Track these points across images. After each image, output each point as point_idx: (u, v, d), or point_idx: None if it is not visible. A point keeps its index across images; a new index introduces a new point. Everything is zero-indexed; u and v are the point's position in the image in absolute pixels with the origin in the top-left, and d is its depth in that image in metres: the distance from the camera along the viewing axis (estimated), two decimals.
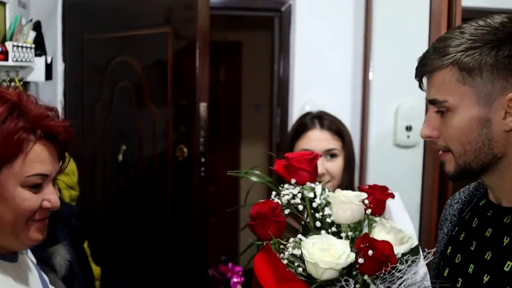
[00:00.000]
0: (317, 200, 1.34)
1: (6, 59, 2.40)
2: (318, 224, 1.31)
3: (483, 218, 1.35)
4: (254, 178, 1.41)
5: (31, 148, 1.27)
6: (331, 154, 2.15)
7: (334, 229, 1.32)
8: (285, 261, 1.27)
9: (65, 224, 2.55)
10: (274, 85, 3.45)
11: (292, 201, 1.32)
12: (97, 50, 3.32)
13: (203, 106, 2.76)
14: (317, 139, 2.16)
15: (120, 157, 3.21)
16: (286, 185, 1.35)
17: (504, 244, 1.25)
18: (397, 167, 2.99)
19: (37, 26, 2.78)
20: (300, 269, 1.25)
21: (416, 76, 1.34)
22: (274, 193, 1.36)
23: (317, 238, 1.26)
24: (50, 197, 1.32)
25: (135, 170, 3.19)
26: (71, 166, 2.84)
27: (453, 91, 1.26)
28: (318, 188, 1.37)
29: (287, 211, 1.32)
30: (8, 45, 2.40)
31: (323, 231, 1.29)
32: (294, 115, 3.32)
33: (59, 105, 3.37)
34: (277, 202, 1.31)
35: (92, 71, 3.37)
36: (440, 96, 1.28)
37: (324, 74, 3.27)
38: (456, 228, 1.43)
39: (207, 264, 2.83)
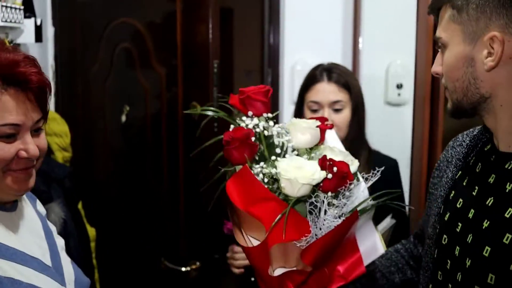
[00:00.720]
0: (275, 128, 1.38)
1: None
2: (278, 150, 1.36)
3: (487, 163, 1.35)
4: (210, 113, 1.45)
5: None
6: (337, 107, 2.19)
7: (295, 153, 1.37)
8: None
9: (59, 184, 2.57)
10: (265, 47, 3.45)
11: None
12: (92, 12, 3.30)
13: (216, 63, 2.82)
14: (324, 91, 2.21)
15: (123, 117, 3.22)
16: (243, 117, 1.38)
17: (507, 190, 1.25)
18: (388, 124, 3.02)
19: None
20: (275, 188, 1.30)
21: (430, 12, 1.38)
22: (232, 126, 1.38)
23: (288, 159, 1.31)
24: (27, 146, 1.30)
25: (141, 129, 3.21)
26: (64, 127, 2.86)
27: (446, 28, 1.29)
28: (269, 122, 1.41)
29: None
30: None
31: (287, 155, 1.34)
32: (285, 76, 3.33)
33: (50, 69, 3.35)
34: (250, 129, 1.35)
35: (86, 34, 3.35)
36: (438, 33, 1.32)
37: (315, 34, 3.27)
38: (460, 173, 1.43)
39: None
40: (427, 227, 1.49)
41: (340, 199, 1.30)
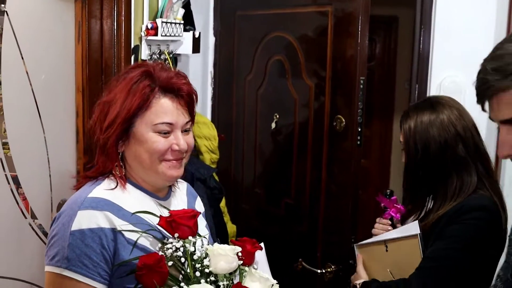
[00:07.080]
0: (197, 253, 1.49)
1: (156, 34, 2.70)
2: (198, 274, 1.46)
3: None
4: None
5: (156, 102, 1.61)
6: None
7: (212, 278, 1.47)
8: None
9: (203, 183, 2.84)
10: (414, 61, 3.48)
11: (175, 254, 1.47)
12: (250, 25, 3.53)
13: (362, 80, 2.92)
14: None
15: (273, 124, 3.43)
16: (170, 239, 1.50)
17: None
18: None
19: (186, 4, 3.05)
20: None
21: (478, 101, 1.33)
22: (159, 245, 1.51)
23: (197, 287, 1.43)
24: (178, 141, 1.63)
25: (288, 136, 3.38)
26: (213, 132, 3.13)
27: None
28: (199, 241, 1.52)
29: (170, 263, 1.47)
30: (158, 21, 2.70)
31: (202, 281, 1.45)
32: (432, 92, 3.34)
33: (209, 75, 3.65)
34: (162, 255, 1.47)
35: (244, 44, 3.59)
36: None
37: (465, 52, 3.25)
38: None
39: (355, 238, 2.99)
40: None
41: None
